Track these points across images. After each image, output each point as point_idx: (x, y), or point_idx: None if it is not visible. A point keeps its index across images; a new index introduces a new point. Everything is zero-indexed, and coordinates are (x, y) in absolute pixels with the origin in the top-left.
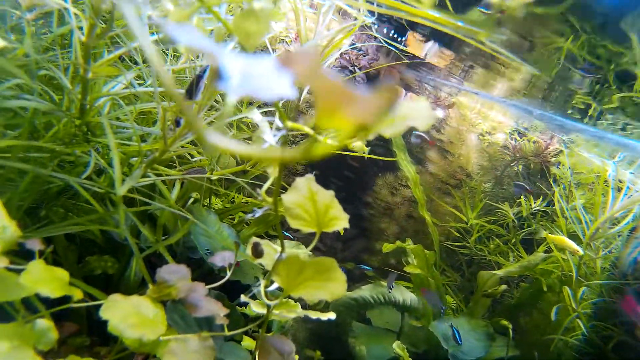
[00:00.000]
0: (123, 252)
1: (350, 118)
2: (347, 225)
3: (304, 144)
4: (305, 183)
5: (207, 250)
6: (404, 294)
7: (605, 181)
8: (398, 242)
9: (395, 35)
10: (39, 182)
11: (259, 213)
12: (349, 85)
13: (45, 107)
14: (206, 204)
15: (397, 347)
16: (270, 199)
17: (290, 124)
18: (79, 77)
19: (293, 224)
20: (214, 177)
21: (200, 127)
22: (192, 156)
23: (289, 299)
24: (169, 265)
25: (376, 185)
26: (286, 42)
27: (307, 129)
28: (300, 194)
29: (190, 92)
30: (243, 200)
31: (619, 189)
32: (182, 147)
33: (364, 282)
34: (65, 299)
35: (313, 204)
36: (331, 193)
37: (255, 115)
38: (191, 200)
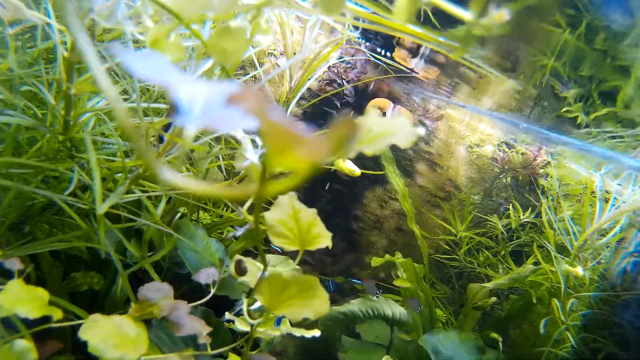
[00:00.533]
0: (109, 268)
1: (300, 158)
2: (329, 244)
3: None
4: (288, 201)
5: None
6: (393, 308)
7: (593, 192)
8: (387, 256)
9: (383, 51)
10: (22, 199)
11: (240, 232)
12: (297, 125)
13: (28, 123)
14: (194, 219)
15: None
16: (251, 217)
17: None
18: (62, 92)
19: (276, 242)
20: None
21: (153, 162)
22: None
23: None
24: (152, 283)
25: (365, 199)
26: (274, 55)
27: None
28: (283, 212)
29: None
30: (232, 214)
31: (607, 200)
32: (169, 162)
33: (353, 296)
34: (47, 318)
35: (296, 222)
36: (314, 211)
37: (237, 133)
38: (178, 215)
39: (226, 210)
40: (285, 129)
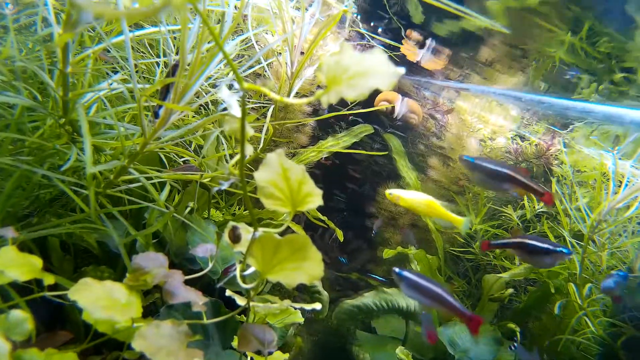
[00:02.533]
0: (119, 262)
1: None
2: (320, 202)
3: None
4: (277, 159)
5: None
6: (407, 300)
7: (604, 173)
8: (399, 248)
9: (392, 44)
10: (28, 188)
11: (225, 185)
12: None
13: (27, 104)
14: (205, 217)
15: (401, 352)
16: (237, 171)
17: (246, 85)
18: (59, 72)
19: (267, 203)
20: (204, 179)
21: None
22: (181, 157)
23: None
24: (147, 253)
25: (379, 195)
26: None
27: (264, 90)
28: (272, 171)
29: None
30: (244, 212)
31: (620, 183)
32: (171, 148)
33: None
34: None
35: (286, 181)
36: (302, 167)
37: (222, 92)
38: (187, 209)
39: (239, 209)
40: None
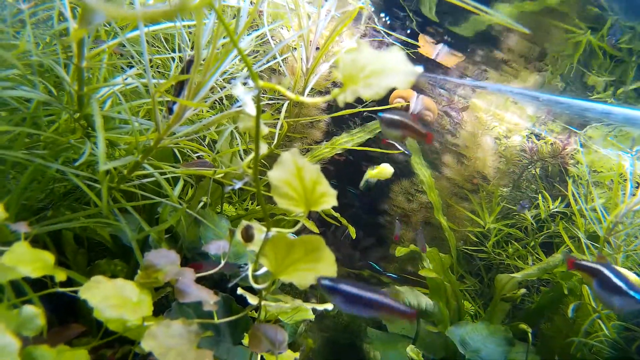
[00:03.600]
0: (132, 256)
1: None
2: (335, 203)
3: None
4: (291, 158)
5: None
6: (419, 298)
7: (622, 174)
8: (412, 246)
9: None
10: (43, 182)
11: (239, 185)
12: None
13: (42, 98)
14: (219, 212)
15: (411, 351)
16: (251, 170)
17: (261, 83)
18: (74, 66)
19: (281, 203)
20: (218, 175)
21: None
22: (195, 152)
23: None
24: (159, 250)
25: (392, 192)
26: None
27: (279, 88)
28: (286, 170)
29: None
30: (257, 207)
31: (638, 185)
32: (185, 143)
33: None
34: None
35: (300, 181)
36: (317, 167)
37: (237, 90)
38: (201, 204)
39: (252, 203)
40: None
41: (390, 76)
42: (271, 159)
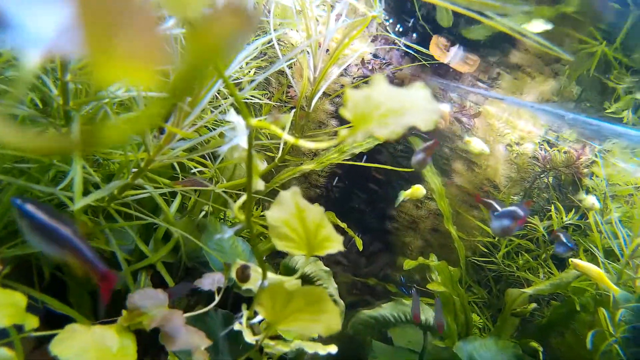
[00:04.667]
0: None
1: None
2: (341, 248)
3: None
4: (291, 197)
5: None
6: (426, 313)
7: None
8: (421, 259)
9: (418, 42)
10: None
11: (230, 232)
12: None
13: (25, 113)
14: (222, 218)
15: None
16: (243, 216)
17: (254, 121)
18: (60, 81)
19: (279, 245)
20: (218, 189)
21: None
22: (195, 167)
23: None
24: (145, 290)
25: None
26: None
27: (275, 129)
28: (285, 210)
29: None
30: (261, 213)
31: None
32: (178, 157)
33: (386, 299)
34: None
35: (301, 223)
36: (321, 210)
37: (231, 116)
38: (202, 213)
39: (257, 209)
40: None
41: (410, 115)
42: (277, 169)
